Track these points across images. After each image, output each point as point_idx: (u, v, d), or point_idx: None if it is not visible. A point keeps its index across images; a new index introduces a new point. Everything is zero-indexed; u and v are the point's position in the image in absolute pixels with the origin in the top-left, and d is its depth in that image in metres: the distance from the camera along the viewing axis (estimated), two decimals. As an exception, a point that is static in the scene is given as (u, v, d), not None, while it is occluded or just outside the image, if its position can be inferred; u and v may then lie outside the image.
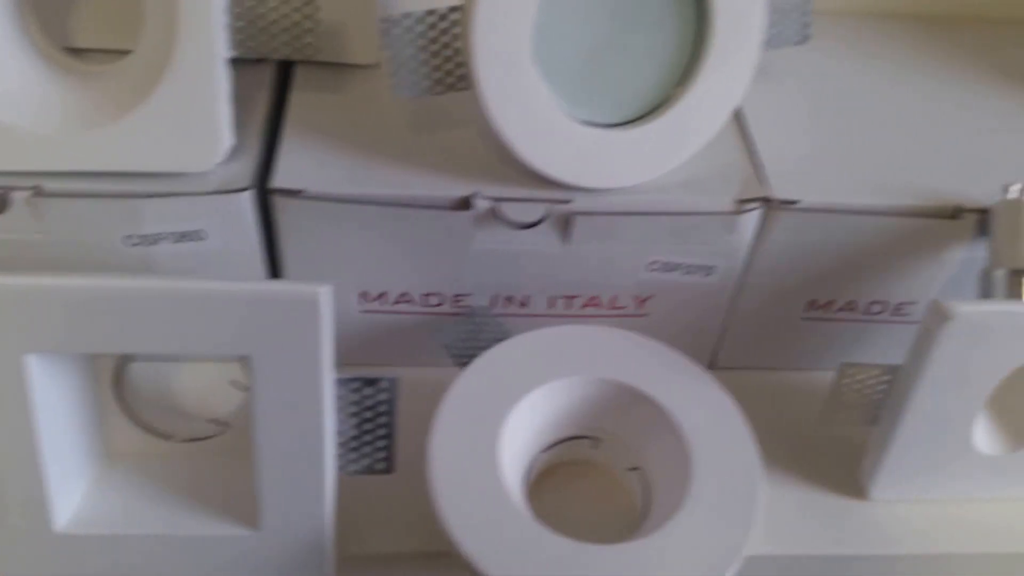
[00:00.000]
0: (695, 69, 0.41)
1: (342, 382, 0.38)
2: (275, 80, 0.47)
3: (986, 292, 0.42)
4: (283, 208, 0.42)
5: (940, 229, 0.44)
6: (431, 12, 0.40)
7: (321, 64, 0.47)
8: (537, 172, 0.41)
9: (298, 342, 0.36)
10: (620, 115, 0.42)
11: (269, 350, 0.36)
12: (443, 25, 0.40)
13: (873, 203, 0.43)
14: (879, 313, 0.47)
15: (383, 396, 0.38)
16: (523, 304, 0.46)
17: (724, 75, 0.41)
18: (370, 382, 0.38)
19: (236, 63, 0.41)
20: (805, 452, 0.47)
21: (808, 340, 0.49)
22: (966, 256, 0.44)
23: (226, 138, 0.41)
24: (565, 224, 0.43)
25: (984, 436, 0.43)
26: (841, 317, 0.48)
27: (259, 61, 0.43)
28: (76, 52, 0.46)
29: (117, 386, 0.42)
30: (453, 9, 0.40)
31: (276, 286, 0.36)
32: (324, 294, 0.36)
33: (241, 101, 0.44)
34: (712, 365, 0.51)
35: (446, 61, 0.41)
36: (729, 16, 0.40)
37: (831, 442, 0.47)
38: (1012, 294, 0.41)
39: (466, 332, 0.45)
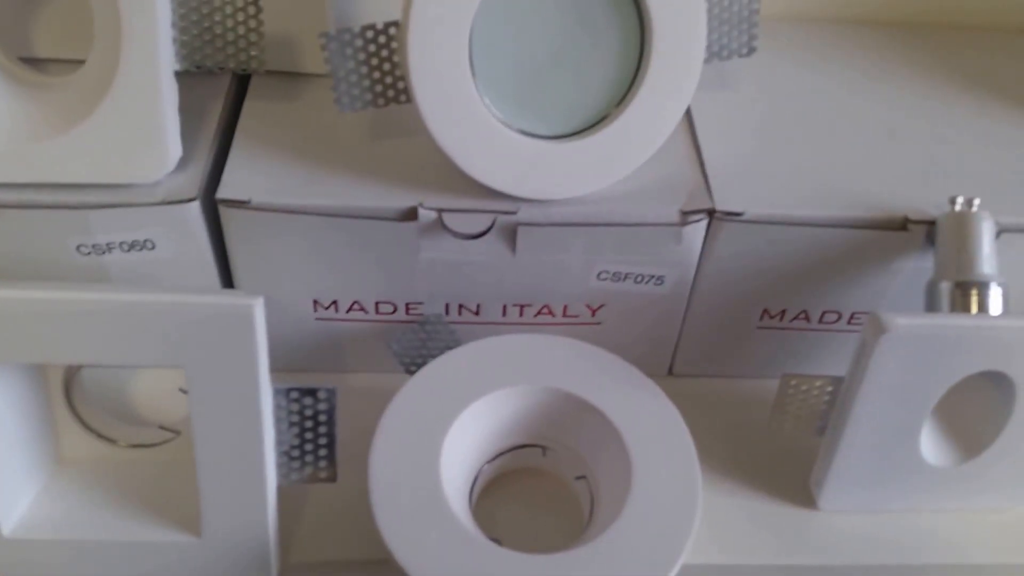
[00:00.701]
0: (638, 82, 0.41)
1: (281, 392, 0.38)
2: (232, 90, 0.47)
3: (932, 304, 0.42)
4: (230, 218, 0.42)
5: (889, 240, 0.43)
6: (369, 27, 0.40)
7: (277, 73, 0.48)
8: (481, 184, 0.42)
9: (234, 354, 0.36)
10: (563, 127, 0.42)
11: (205, 361, 0.37)
12: (382, 40, 0.40)
13: (820, 214, 0.43)
14: (834, 323, 0.47)
15: (323, 406, 0.39)
16: (476, 312, 0.47)
17: (667, 88, 0.41)
18: (309, 392, 0.39)
19: (193, 73, 0.42)
20: (759, 461, 0.47)
21: (763, 349, 0.49)
22: (918, 266, 0.44)
23: (174, 149, 0.41)
24: (512, 235, 0.43)
25: (932, 448, 0.43)
26: (795, 327, 0.48)
27: (218, 70, 0.43)
28: (35, 62, 0.47)
29: (68, 392, 0.42)
30: (391, 24, 0.40)
31: (211, 298, 0.36)
32: (258, 307, 0.36)
33: (195, 111, 0.45)
34: (670, 373, 0.51)
35: (386, 75, 0.41)
36: (669, 29, 0.40)
37: (785, 451, 0.47)
38: (957, 306, 0.41)
39: (416, 340, 0.45)
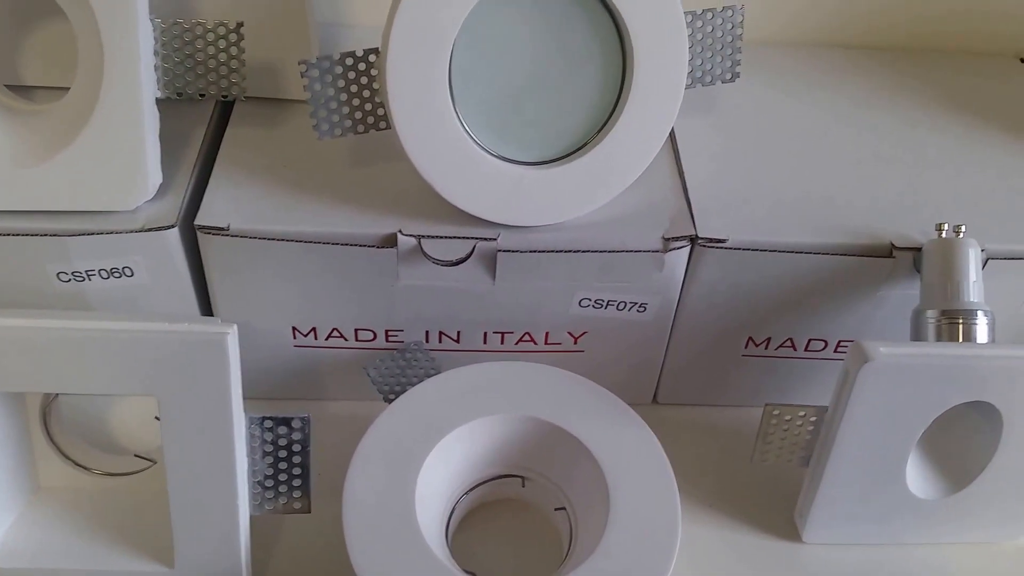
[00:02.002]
0: (619, 108, 0.41)
1: (255, 421, 0.38)
2: (215, 116, 0.47)
3: (918, 333, 0.41)
4: (209, 245, 0.42)
5: (875, 267, 0.43)
6: (348, 54, 0.40)
7: (261, 99, 0.48)
8: (461, 210, 0.41)
9: (207, 383, 0.36)
10: (544, 153, 0.42)
11: (178, 390, 0.36)
12: (361, 67, 0.40)
13: (804, 241, 0.42)
14: (820, 351, 0.47)
15: (297, 435, 0.38)
16: (457, 340, 0.46)
17: (648, 114, 0.41)
18: (283, 421, 0.38)
19: (176, 100, 0.42)
20: (743, 492, 0.46)
21: (749, 377, 0.48)
22: (904, 294, 0.44)
23: (154, 176, 0.41)
24: (492, 261, 0.42)
25: (918, 480, 0.42)
26: (780, 355, 0.47)
27: (200, 97, 0.43)
28: (23, 90, 0.47)
29: (45, 420, 0.42)
30: (371, 51, 0.40)
31: (184, 327, 0.36)
32: (232, 336, 0.36)
33: (178, 137, 0.45)
34: (654, 401, 0.50)
35: (365, 102, 0.41)
36: (651, 55, 0.40)
37: (769, 482, 0.46)
38: (943, 335, 0.40)
39: (395, 368, 0.45)
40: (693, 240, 0.42)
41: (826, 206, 0.44)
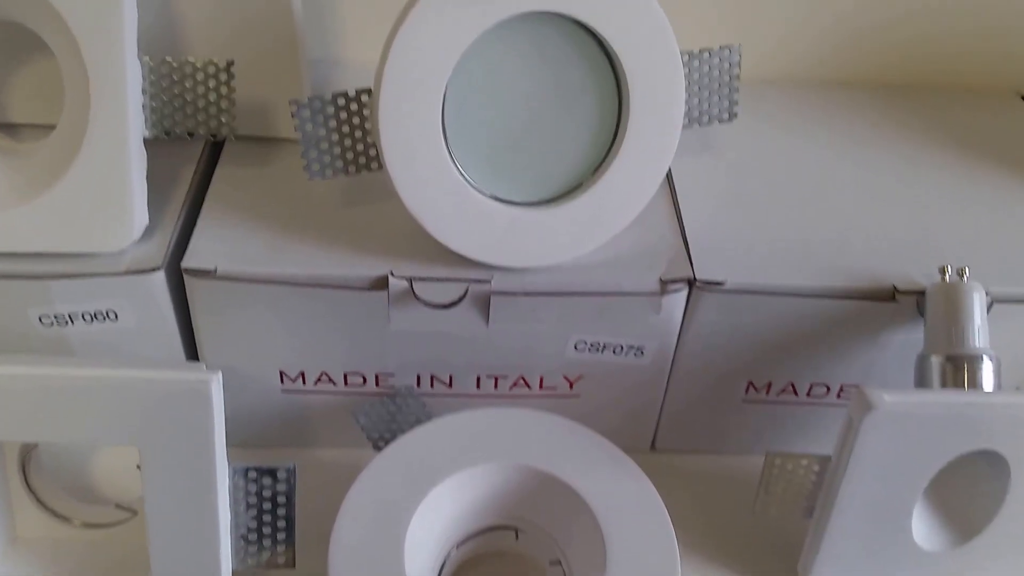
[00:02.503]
0: (615, 148, 0.40)
1: (239, 472, 0.37)
2: (205, 155, 0.47)
3: (922, 379, 0.40)
4: (195, 288, 0.41)
5: (877, 311, 0.42)
6: (340, 94, 0.39)
7: (252, 138, 0.47)
8: (453, 252, 0.40)
9: (189, 432, 0.35)
10: (538, 193, 0.41)
11: (159, 439, 0.35)
12: (353, 107, 0.39)
13: (804, 284, 0.42)
14: (822, 396, 0.46)
15: (282, 487, 0.37)
16: (449, 384, 0.45)
17: (645, 154, 0.40)
18: (268, 472, 0.37)
19: (167, 138, 0.41)
20: (744, 543, 0.45)
21: (749, 423, 0.47)
22: (908, 338, 0.43)
23: (140, 217, 0.41)
24: (485, 304, 0.41)
25: (925, 531, 0.41)
26: (782, 400, 0.46)
27: (189, 136, 0.43)
28: (9, 127, 0.46)
29: (24, 468, 0.41)
30: (363, 91, 0.39)
31: (166, 374, 0.35)
32: (215, 383, 0.35)
33: (166, 177, 0.45)
34: (652, 447, 0.49)
35: (357, 142, 0.40)
36: (647, 95, 0.39)
37: (772, 533, 0.45)
38: (948, 381, 0.39)
39: (385, 413, 0.43)
40: (691, 283, 0.41)
41: (826, 248, 0.43)
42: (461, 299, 0.41)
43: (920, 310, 0.42)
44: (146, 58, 0.40)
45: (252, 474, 0.37)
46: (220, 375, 0.35)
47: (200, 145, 0.47)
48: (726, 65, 0.44)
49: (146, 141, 0.41)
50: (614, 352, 0.44)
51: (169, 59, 0.40)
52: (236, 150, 0.47)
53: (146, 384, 0.34)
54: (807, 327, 0.43)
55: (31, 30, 0.41)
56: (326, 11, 0.54)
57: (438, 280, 0.41)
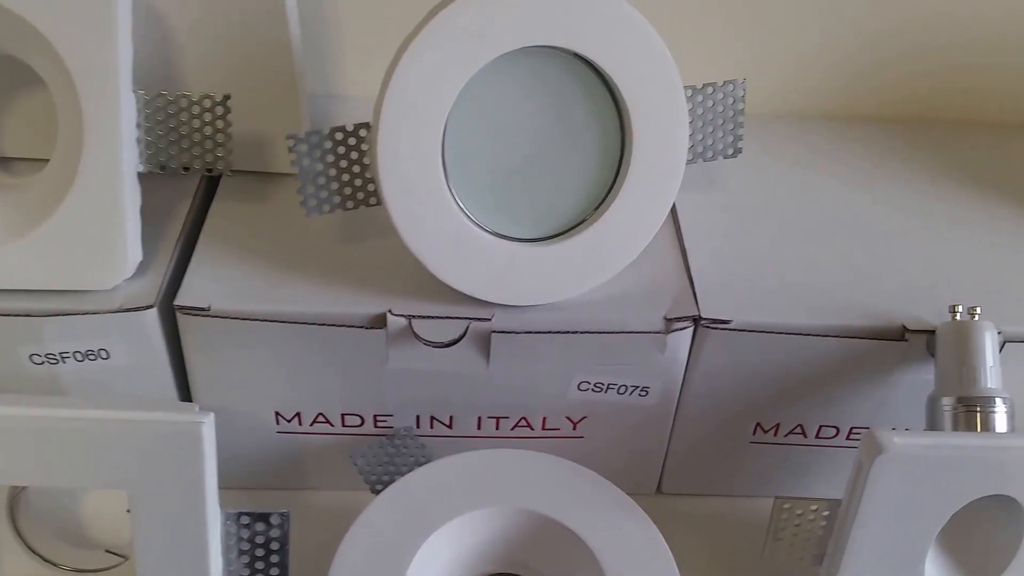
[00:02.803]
0: (618, 184, 0.39)
1: (231, 517, 0.36)
2: (202, 190, 0.46)
3: (934, 421, 0.39)
4: (189, 326, 0.40)
5: (887, 351, 0.41)
6: (338, 128, 0.38)
7: (249, 173, 0.46)
8: (453, 289, 0.40)
9: (180, 475, 0.34)
10: (540, 230, 0.40)
11: (149, 483, 0.34)
12: (352, 141, 0.39)
13: (812, 323, 0.41)
14: (831, 438, 0.44)
15: (275, 533, 0.36)
16: (449, 425, 0.44)
17: (648, 190, 0.39)
18: (261, 517, 0.36)
19: (162, 172, 0.41)
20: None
21: (758, 465, 0.46)
22: (918, 378, 0.42)
23: (133, 254, 0.40)
24: (486, 343, 0.41)
25: (939, 577, 0.40)
26: (790, 442, 0.45)
27: (184, 171, 0.42)
28: (3, 161, 0.45)
29: (12, 511, 0.40)
30: (361, 126, 0.39)
31: (156, 415, 0.34)
32: (207, 425, 0.34)
33: (161, 212, 0.44)
34: (658, 490, 0.48)
35: (355, 177, 0.39)
36: (650, 130, 0.38)
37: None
38: (960, 424, 0.38)
39: (383, 455, 0.42)
40: (696, 321, 0.40)
41: (834, 286, 0.42)
42: (461, 338, 0.40)
43: (930, 350, 0.41)
44: (141, 92, 0.39)
45: (244, 519, 0.36)
46: (212, 417, 0.34)
47: (196, 180, 0.46)
48: (730, 100, 0.44)
49: (141, 175, 0.40)
50: (618, 392, 0.43)
51: (164, 93, 0.40)
52: (233, 185, 0.46)
53: (135, 426, 0.33)
54: (815, 367, 0.42)
55: (24, 63, 0.40)
56: (326, 45, 0.53)
57: (438, 318, 0.40)
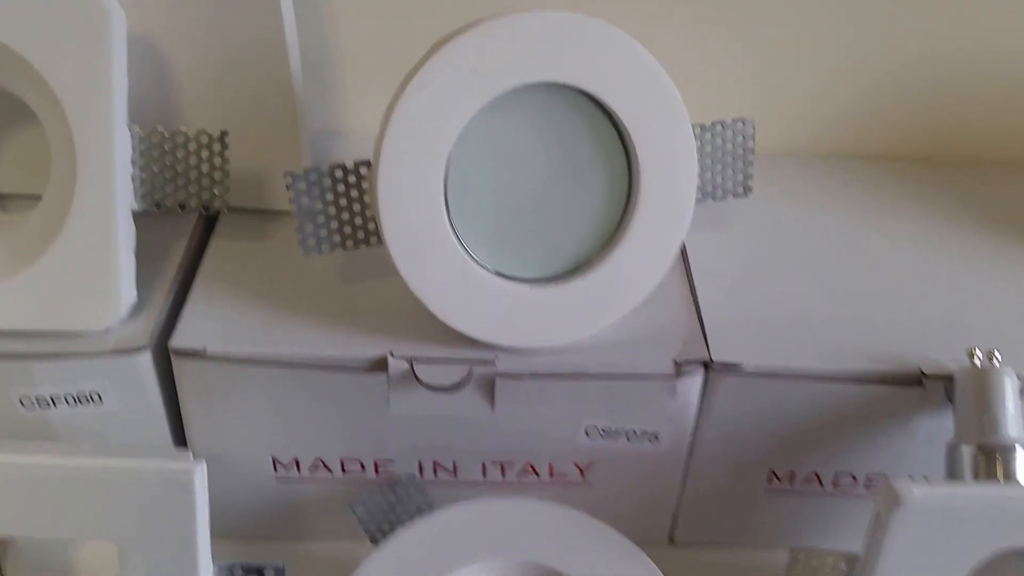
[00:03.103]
0: (625, 223, 0.38)
1: (223, 570, 0.34)
2: (199, 228, 0.45)
3: (953, 469, 0.38)
4: (183, 369, 0.39)
5: (904, 397, 0.40)
6: (338, 166, 0.38)
7: (248, 211, 0.45)
8: (456, 331, 0.38)
9: (171, 526, 0.33)
10: (546, 270, 0.39)
11: (138, 534, 0.33)
12: (352, 179, 0.38)
13: (827, 367, 0.39)
14: (849, 486, 0.43)
15: (269, 585, 0.35)
16: (453, 472, 0.43)
17: (657, 229, 0.38)
18: (255, 571, 0.35)
19: (158, 210, 0.40)
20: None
21: (773, 515, 0.44)
22: (937, 424, 0.40)
23: (126, 294, 0.39)
24: (490, 387, 0.39)
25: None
26: (806, 491, 0.43)
27: (180, 209, 0.41)
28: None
29: (2, 560, 0.38)
30: (362, 163, 0.38)
31: (145, 463, 0.32)
32: (199, 473, 0.32)
33: (158, 251, 0.43)
34: (670, 541, 0.46)
35: (355, 216, 0.38)
36: (658, 169, 0.37)
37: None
38: (980, 473, 0.37)
39: (384, 504, 0.41)
40: (707, 365, 0.39)
41: (849, 329, 0.41)
42: (464, 381, 0.39)
43: (949, 396, 0.39)
44: (136, 127, 0.38)
45: (238, 572, 0.34)
46: (204, 465, 0.33)
47: (193, 217, 0.45)
48: (740, 138, 0.43)
49: (136, 213, 0.39)
50: (627, 438, 0.41)
51: (160, 128, 0.39)
52: (232, 223, 0.45)
53: (123, 474, 0.32)
54: (830, 413, 0.40)
55: (18, 97, 0.39)
56: (328, 81, 0.53)
57: (440, 361, 0.39)
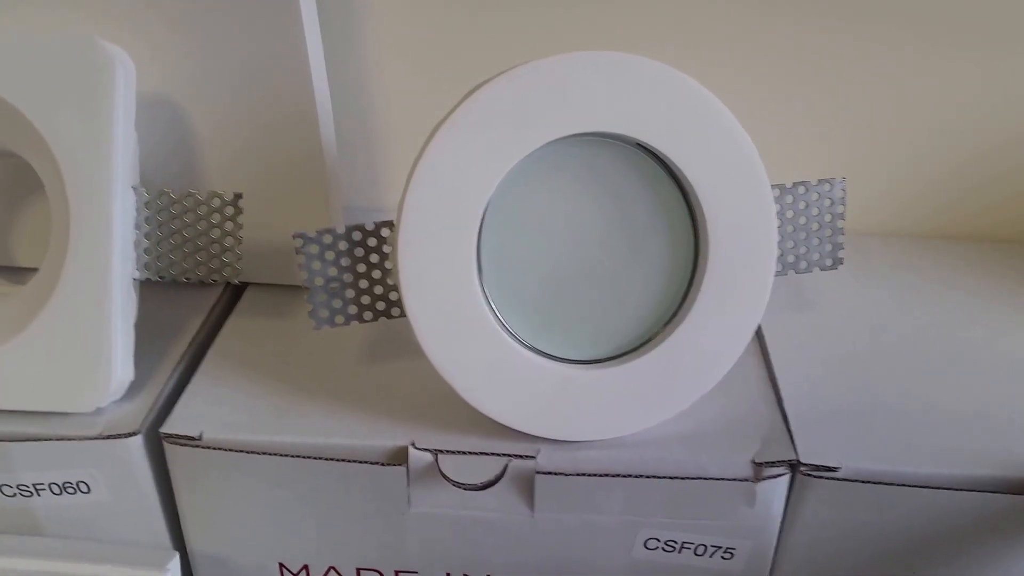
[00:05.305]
0: (691, 296, 0.33)
1: None
2: (223, 303, 0.41)
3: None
4: (177, 458, 0.34)
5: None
6: (356, 227, 0.33)
7: (274, 285, 0.41)
8: (490, 419, 0.33)
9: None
10: (597, 350, 0.33)
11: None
12: (372, 242, 0.33)
13: (938, 472, 0.33)
14: (968, 617, 0.35)
15: None
16: (487, 586, 0.36)
17: (728, 304, 0.33)
18: None
19: (162, 281, 0.36)
20: None
21: (871, 649, 0.37)
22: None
23: (121, 372, 0.34)
24: (529, 486, 0.33)
25: None
26: (912, 618, 0.36)
27: (184, 281, 0.37)
28: (14, 271, 0.42)
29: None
30: (383, 224, 0.33)
31: (112, 570, 0.27)
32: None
33: (173, 325, 0.39)
34: (746, 675, 0.39)
35: (375, 284, 0.34)
36: (729, 237, 0.32)
37: None
38: None
39: (404, 624, 0.35)
40: (794, 466, 0.33)
41: (960, 427, 0.34)
42: (499, 478, 0.33)
43: (1094, 509, 0.32)
44: (142, 188, 0.35)
45: None
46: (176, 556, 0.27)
47: (217, 291, 0.42)
48: (827, 202, 0.37)
49: (152, 284, 0.35)
50: (696, 553, 0.35)
51: (168, 190, 0.35)
52: (256, 298, 0.42)
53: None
54: (939, 525, 0.33)
55: (25, 160, 0.36)
56: (362, 155, 0.49)
57: (470, 454, 0.33)
